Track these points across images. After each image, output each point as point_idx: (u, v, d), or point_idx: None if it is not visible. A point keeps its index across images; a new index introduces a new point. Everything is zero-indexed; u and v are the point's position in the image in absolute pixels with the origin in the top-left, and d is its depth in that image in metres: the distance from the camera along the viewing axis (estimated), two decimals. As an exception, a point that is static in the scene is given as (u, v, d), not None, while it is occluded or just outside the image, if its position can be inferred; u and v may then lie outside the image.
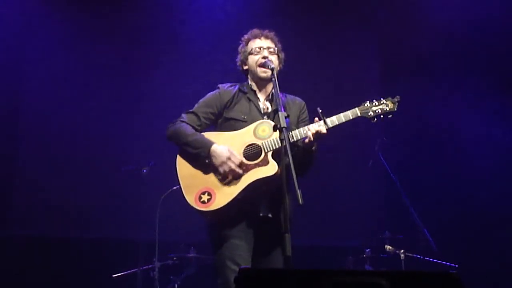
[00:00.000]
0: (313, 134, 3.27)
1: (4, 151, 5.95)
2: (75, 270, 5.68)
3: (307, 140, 3.30)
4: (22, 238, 5.76)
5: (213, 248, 3.38)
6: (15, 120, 6.10)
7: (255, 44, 3.60)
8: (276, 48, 3.61)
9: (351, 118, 3.35)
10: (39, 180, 5.92)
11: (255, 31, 3.66)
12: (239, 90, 3.59)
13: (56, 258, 5.70)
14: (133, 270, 5.12)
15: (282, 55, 3.67)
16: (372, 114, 3.37)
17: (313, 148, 3.39)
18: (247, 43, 3.65)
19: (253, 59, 3.57)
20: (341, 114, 3.34)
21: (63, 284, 5.65)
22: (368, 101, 3.39)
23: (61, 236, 5.83)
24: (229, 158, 3.29)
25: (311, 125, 3.33)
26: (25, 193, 5.95)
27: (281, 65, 3.64)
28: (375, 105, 3.38)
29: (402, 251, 5.10)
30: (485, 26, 6.22)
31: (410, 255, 5.12)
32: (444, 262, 5.04)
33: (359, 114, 3.36)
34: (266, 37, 3.62)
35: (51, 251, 5.73)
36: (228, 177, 3.31)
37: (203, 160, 3.35)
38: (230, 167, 3.28)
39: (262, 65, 3.50)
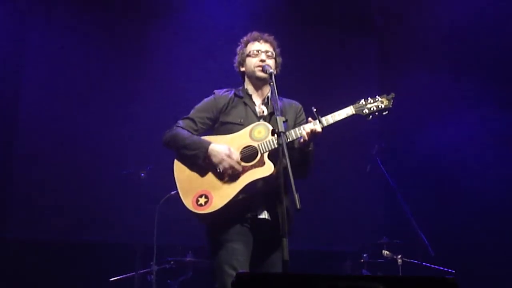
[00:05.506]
0: (308, 134, 3.25)
1: (1, 154, 5.94)
2: (72, 273, 5.66)
3: (302, 140, 3.30)
4: (19, 242, 5.73)
5: (211, 252, 3.37)
6: (13, 122, 6.09)
7: (254, 47, 3.59)
8: (274, 53, 3.61)
9: (346, 116, 3.33)
10: (37, 183, 5.89)
11: (255, 33, 3.65)
12: (235, 94, 3.59)
13: (53, 261, 5.67)
14: (130, 274, 5.11)
15: (279, 60, 3.66)
16: (367, 111, 3.35)
17: (310, 148, 3.38)
18: (245, 45, 3.64)
19: (250, 61, 3.57)
20: (336, 113, 3.33)
21: (60, 288, 5.64)
22: (363, 99, 3.37)
23: (58, 240, 5.80)
24: (228, 155, 3.28)
25: (306, 124, 3.31)
26: (22, 196, 5.92)
27: (278, 69, 3.61)
28: (370, 103, 3.36)
29: (399, 256, 5.10)
30: (486, 31, 6.21)
31: (408, 260, 5.12)
32: (441, 268, 5.04)
33: (353, 112, 3.34)
34: (266, 41, 3.61)
35: (48, 254, 5.70)
36: (226, 177, 3.30)
37: (200, 163, 3.34)
38: (229, 163, 3.27)
39: (260, 68, 3.50)
